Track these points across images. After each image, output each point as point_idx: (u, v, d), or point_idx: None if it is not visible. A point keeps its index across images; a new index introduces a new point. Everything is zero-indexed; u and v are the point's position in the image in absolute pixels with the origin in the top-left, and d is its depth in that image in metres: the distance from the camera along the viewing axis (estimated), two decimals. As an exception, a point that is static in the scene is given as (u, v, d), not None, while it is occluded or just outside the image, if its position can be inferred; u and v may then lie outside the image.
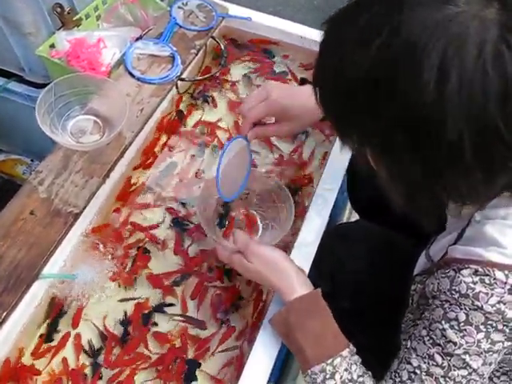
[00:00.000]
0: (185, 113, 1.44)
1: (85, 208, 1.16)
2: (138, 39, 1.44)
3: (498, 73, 0.61)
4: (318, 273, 1.12)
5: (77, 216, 1.14)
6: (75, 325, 1.11)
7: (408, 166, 0.70)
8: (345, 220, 1.70)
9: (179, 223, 1.26)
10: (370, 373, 0.92)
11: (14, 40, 1.54)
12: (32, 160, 1.94)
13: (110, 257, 1.18)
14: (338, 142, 1.20)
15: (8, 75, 1.65)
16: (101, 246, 1.19)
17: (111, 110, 1.26)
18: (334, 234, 1.26)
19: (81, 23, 1.57)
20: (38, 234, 1.10)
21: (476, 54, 0.61)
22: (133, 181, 1.31)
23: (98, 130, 1.27)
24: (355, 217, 1.60)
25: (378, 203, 1.31)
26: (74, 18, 1.54)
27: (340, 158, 1.21)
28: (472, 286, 0.76)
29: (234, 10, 1.58)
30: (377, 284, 1.16)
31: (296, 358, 0.95)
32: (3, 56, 1.61)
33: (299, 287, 0.97)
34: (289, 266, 1.00)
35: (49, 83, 1.21)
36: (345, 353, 0.90)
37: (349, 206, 1.62)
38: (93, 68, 1.30)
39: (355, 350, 0.93)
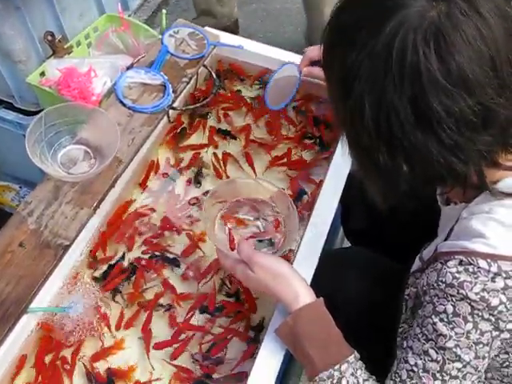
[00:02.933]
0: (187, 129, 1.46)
1: (75, 240, 1.14)
2: (129, 67, 1.43)
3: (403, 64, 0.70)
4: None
5: (67, 248, 1.12)
6: (64, 363, 1.09)
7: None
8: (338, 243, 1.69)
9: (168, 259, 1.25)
10: (374, 377, 0.93)
11: (4, 67, 1.53)
12: (20, 187, 1.92)
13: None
14: (330, 173, 1.23)
15: (-2, 102, 1.65)
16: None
17: (102, 139, 1.25)
18: (325, 261, 1.26)
19: (72, 51, 1.57)
20: (27, 267, 1.09)
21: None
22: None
23: (89, 159, 1.26)
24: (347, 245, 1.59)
25: (372, 234, 1.33)
26: (65, 46, 1.55)
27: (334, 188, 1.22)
28: (457, 275, 0.79)
29: (226, 37, 1.58)
30: (373, 307, 1.14)
31: (303, 365, 0.96)
32: (-7, 83, 1.60)
33: (303, 296, 0.98)
34: (293, 275, 1.01)
35: (39, 111, 1.21)
36: (351, 358, 0.92)
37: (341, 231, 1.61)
38: (83, 97, 1.29)
39: (359, 356, 0.95)
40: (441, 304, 0.82)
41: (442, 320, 0.82)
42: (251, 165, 1.41)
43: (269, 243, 1.24)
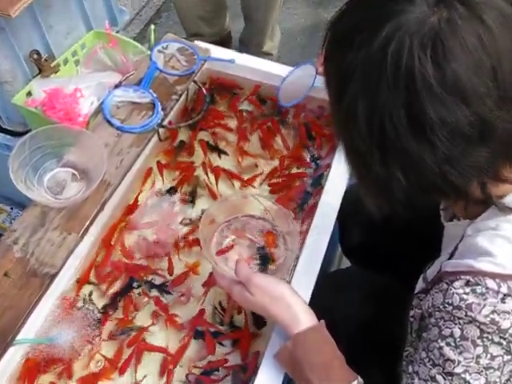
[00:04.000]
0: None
1: (62, 268, 1.10)
2: (117, 86, 1.39)
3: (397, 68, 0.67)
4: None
5: (53, 277, 1.08)
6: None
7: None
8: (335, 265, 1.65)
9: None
10: None
11: (-11, 89, 1.49)
12: (12, 208, 1.88)
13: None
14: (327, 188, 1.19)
15: (-15, 124, 1.61)
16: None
17: (89, 162, 1.21)
18: (324, 283, 1.22)
19: (59, 69, 1.54)
20: (12, 297, 1.04)
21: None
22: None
23: (77, 182, 1.22)
24: (346, 263, 1.55)
25: (370, 250, 1.29)
26: (52, 65, 1.51)
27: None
28: (464, 296, 0.75)
29: (217, 52, 1.54)
30: (375, 329, 1.13)
31: None
32: (-20, 105, 1.56)
33: (304, 320, 0.94)
34: (292, 296, 0.97)
35: (27, 131, 1.18)
36: (355, 383, 0.89)
37: (339, 251, 1.57)
38: (69, 119, 1.25)
39: (363, 381, 0.91)
40: (447, 327, 0.78)
41: (448, 344, 0.77)
42: (244, 181, 1.38)
43: (268, 260, 1.19)
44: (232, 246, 1.20)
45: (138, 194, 1.33)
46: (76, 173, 1.23)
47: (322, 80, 0.81)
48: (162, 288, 1.20)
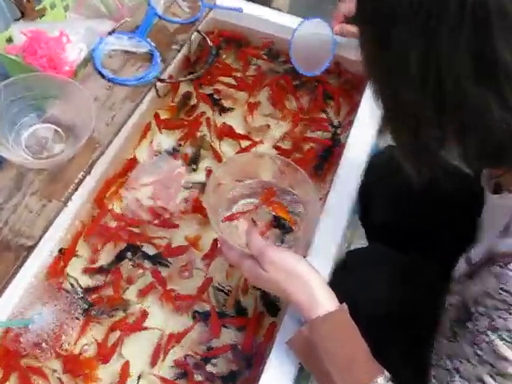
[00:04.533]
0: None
1: (40, 239, 0.94)
2: (110, 33, 1.22)
3: None
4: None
5: (30, 249, 0.93)
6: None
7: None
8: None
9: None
10: None
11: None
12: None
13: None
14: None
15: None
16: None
17: (76, 117, 1.05)
18: (342, 264, 1.07)
19: (45, 14, 1.35)
20: (-19, 273, 0.89)
21: None
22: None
23: (60, 141, 1.06)
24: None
25: (396, 227, 1.14)
26: (37, 8, 1.33)
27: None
28: None
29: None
30: (399, 316, 0.98)
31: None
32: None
33: (324, 302, 0.81)
34: (312, 276, 0.83)
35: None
36: (380, 380, 0.76)
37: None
38: (54, 67, 1.08)
39: (390, 376, 0.78)
40: (501, 318, 0.64)
41: (502, 338, 0.64)
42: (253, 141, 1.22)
43: (287, 230, 1.03)
44: (243, 213, 1.04)
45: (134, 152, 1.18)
46: (60, 129, 1.07)
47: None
48: (157, 259, 1.06)
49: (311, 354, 0.79)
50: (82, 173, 1.01)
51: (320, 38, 1.20)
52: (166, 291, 1.02)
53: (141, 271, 1.05)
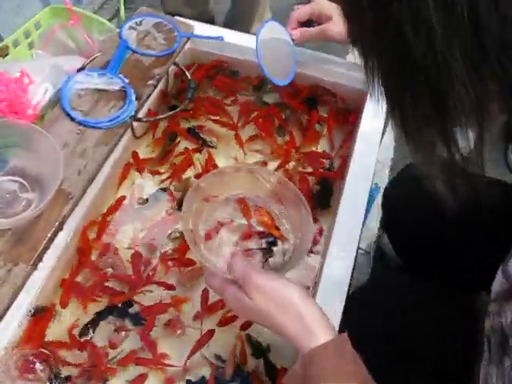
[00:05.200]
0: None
1: (8, 309, 0.82)
2: (79, 70, 1.11)
3: None
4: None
5: (-5, 323, 0.80)
6: None
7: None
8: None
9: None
10: None
11: None
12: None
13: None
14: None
15: None
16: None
17: (42, 167, 0.93)
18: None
19: (8, 52, 1.25)
20: None
21: None
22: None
23: (26, 195, 0.94)
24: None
25: (418, 239, 1.09)
26: (-2, 47, 1.22)
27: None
28: None
29: (202, 28, 1.26)
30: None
31: None
32: None
33: (320, 331, 0.70)
34: (305, 304, 0.72)
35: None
36: None
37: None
38: (15, 111, 0.97)
39: None
40: None
41: None
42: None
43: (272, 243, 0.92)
44: (221, 225, 0.92)
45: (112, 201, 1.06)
46: (25, 182, 0.94)
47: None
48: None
49: None
50: (51, 231, 0.89)
51: (281, 43, 1.13)
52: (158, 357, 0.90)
53: (123, 334, 0.92)
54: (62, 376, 0.86)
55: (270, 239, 0.92)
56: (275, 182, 0.91)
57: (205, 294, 0.95)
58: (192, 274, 0.99)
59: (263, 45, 1.08)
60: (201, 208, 0.90)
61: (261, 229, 0.93)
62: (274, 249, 0.90)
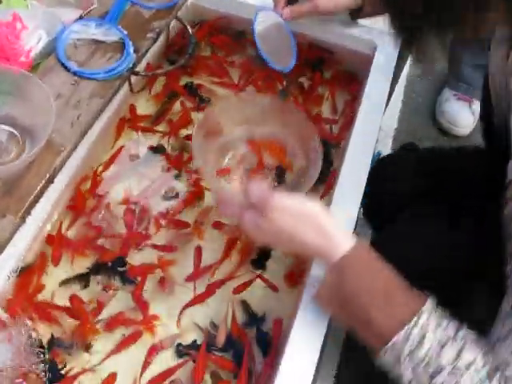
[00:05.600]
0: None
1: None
2: (76, 20, 1.06)
3: None
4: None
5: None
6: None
7: None
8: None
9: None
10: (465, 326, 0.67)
11: None
12: None
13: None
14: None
15: None
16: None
17: (34, 116, 0.89)
18: None
19: (1, 1, 1.19)
20: None
21: None
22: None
23: (16, 145, 0.90)
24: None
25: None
26: (-8, -6, 1.16)
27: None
28: None
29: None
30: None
31: (360, 335, 0.70)
32: None
33: (344, 241, 0.71)
34: (325, 216, 0.73)
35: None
36: (428, 306, 0.66)
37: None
38: (6, 57, 0.92)
39: (435, 302, 0.69)
40: None
41: None
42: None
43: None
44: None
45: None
46: (15, 131, 0.91)
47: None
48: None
49: (343, 300, 0.70)
50: (41, 182, 0.85)
51: (276, 29, 1.10)
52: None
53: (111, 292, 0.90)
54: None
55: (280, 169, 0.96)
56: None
57: (198, 253, 0.92)
58: (186, 237, 0.96)
59: (261, 38, 1.06)
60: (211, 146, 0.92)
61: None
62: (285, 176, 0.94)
